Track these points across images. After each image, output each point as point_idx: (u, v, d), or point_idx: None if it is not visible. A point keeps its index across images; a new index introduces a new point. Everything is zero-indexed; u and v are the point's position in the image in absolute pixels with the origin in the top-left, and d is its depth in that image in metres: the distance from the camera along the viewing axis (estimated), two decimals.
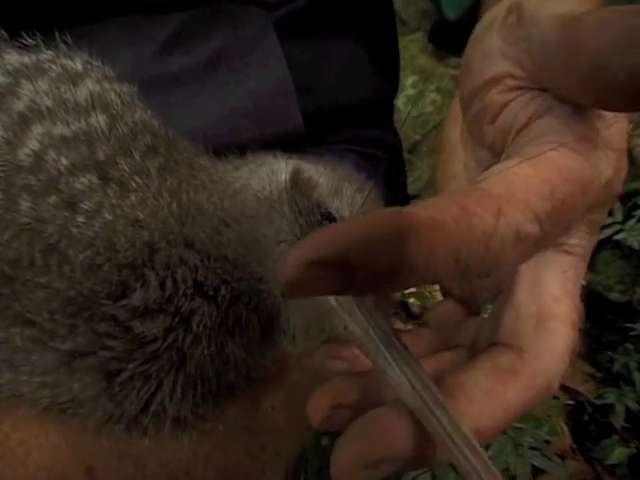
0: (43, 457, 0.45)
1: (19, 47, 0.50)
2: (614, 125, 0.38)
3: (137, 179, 0.45)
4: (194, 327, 0.45)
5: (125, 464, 0.48)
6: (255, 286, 0.47)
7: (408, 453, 0.32)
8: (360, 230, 0.26)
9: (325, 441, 1.25)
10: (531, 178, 0.32)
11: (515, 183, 0.31)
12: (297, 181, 0.48)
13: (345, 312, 0.38)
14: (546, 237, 0.32)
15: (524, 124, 0.39)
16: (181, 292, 0.44)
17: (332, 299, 0.40)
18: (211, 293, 0.46)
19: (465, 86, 0.44)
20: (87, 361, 0.43)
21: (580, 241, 0.40)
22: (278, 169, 0.50)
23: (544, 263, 0.39)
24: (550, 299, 0.38)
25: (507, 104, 0.40)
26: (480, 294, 0.47)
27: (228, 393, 0.50)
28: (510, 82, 0.40)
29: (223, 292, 0.46)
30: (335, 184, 0.49)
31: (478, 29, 0.45)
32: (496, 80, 0.41)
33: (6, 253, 0.41)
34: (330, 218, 0.46)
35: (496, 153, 0.42)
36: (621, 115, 0.38)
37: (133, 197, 0.44)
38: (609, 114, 0.38)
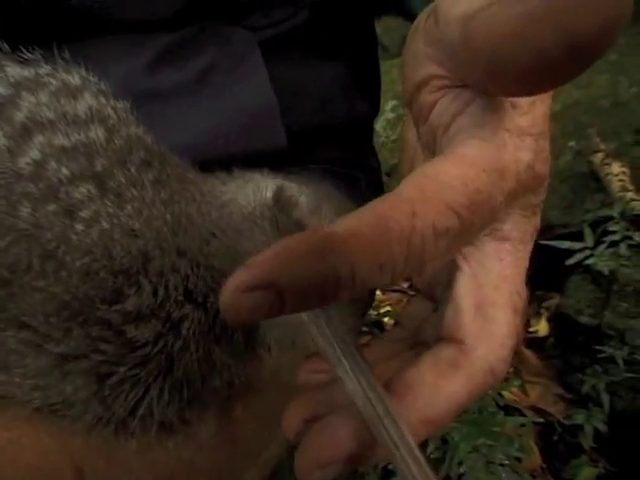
0: (33, 457, 0.46)
1: (19, 61, 0.51)
2: (529, 112, 0.39)
3: (133, 190, 0.46)
4: (183, 332, 0.46)
5: (112, 466, 0.49)
6: None
7: (352, 454, 0.35)
8: (281, 252, 0.28)
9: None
10: (442, 175, 0.33)
11: (426, 183, 0.32)
12: (279, 199, 0.50)
13: (313, 326, 0.39)
14: (469, 227, 0.34)
15: (447, 124, 0.40)
16: (172, 299, 0.46)
17: (303, 314, 0.43)
18: (200, 300, 0.47)
19: (404, 90, 0.46)
20: (79, 364, 0.44)
21: (515, 225, 0.41)
22: (263, 186, 0.52)
23: (482, 253, 0.40)
24: (489, 288, 0.40)
25: (434, 104, 0.42)
26: (436, 289, 0.49)
27: (211, 399, 0.52)
28: (436, 82, 0.41)
29: (212, 300, 0.47)
30: (315, 204, 0.51)
31: (409, 34, 0.45)
32: (424, 82, 0.42)
33: (5, 257, 0.43)
34: None
35: (431, 153, 0.44)
36: (538, 102, 0.40)
37: (129, 207, 0.45)
38: (524, 102, 0.39)
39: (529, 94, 0.36)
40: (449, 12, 0.37)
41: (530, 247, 0.42)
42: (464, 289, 0.40)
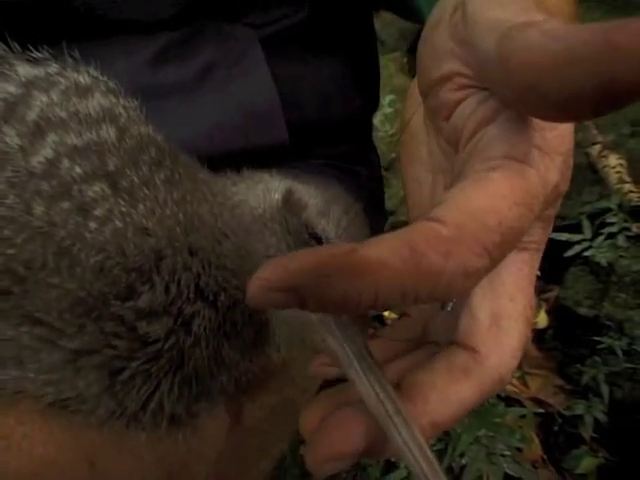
0: (47, 450, 0.47)
1: (29, 60, 0.51)
2: (560, 127, 0.38)
3: (145, 190, 0.47)
4: (194, 329, 0.47)
5: (124, 458, 0.50)
6: None
7: (363, 450, 0.36)
8: (313, 263, 0.29)
9: (304, 450, 1.27)
10: (479, 211, 0.32)
11: (464, 220, 0.32)
12: (288, 201, 0.51)
13: (323, 326, 0.40)
14: (497, 263, 0.33)
15: (474, 130, 0.39)
16: (184, 296, 0.46)
17: (315, 317, 0.43)
18: (211, 298, 0.48)
19: (420, 81, 0.45)
20: (92, 359, 0.45)
21: (534, 237, 0.42)
22: (273, 188, 0.53)
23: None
24: (505, 299, 0.40)
25: (459, 103, 0.41)
26: None
27: (219, 394, 0.52)
28: (460, 80, 0.41)
29: (222, 298, 0.48)
30: (323, 206, 0.52)
31: (428, 25, 0.45)
32: (447, 78, 0.41)
33: (20, 254, 0.43)
34: (316, 238, 0.49)
35: (454, 148, 0.43)
36: None
37: (141, 206, 0.46)
38: None
39: (557, 122, 0.36)
40: (480, 14, 0.37)
41: (542, 254, 0.43)
42: (481, 297, 0.40)
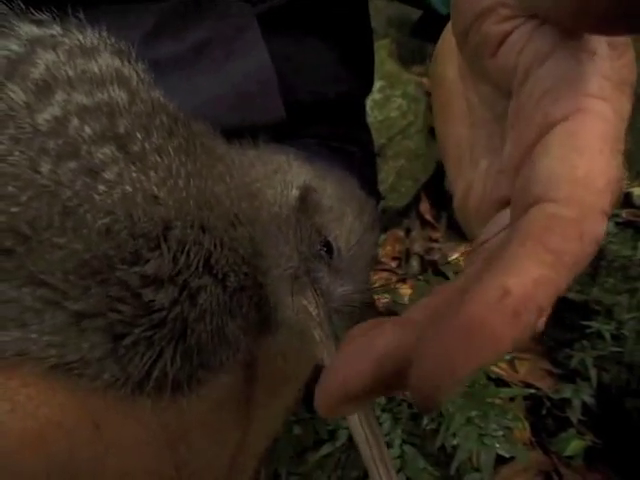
0: (52, 412, 0.46)
1: (32, 20, 0.50)
2: (626, 55, 0.35)
3: (157, 157, 0.46)
4: (200, 302, 0.47)
5: (130, 423, 0.50)
6: (257, 288, 0.50)
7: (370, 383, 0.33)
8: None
9: (297, 430, 1.28)
10: (588, 178, 0.31)
11: (578, 192, 0.30)
12: (305, 201, 0.52)
13: (325, 350, 0.42)
14: None
15: (528, 67, 0.36)
16: (192, 268, 0.46)
17: (317, 336, 0.45)
18: (220, 277, 0.48)
19: (458, 22, 0.41)
20: (96, 322, 0.44)
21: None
22: (289, 181, 0.54)
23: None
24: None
25: (506, 36, 0.37)
26: None
27: (220, 369, 0.52)
28: (504, 11, 0.37)
29: (231, 279, 0.48)
30: (338, 210, 0.53)
31: None
32: (489, 10, 0.38)
33: (25, 212, 0.42)
34: (328, 246, 0.51)
35: (501, 90, 0.40)
36: (628, 43, 0.35)
37: (153, 174, 0.45)
38: (619, 43, 0.35)
39: (624, 33, 0.32)
40: None
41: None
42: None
